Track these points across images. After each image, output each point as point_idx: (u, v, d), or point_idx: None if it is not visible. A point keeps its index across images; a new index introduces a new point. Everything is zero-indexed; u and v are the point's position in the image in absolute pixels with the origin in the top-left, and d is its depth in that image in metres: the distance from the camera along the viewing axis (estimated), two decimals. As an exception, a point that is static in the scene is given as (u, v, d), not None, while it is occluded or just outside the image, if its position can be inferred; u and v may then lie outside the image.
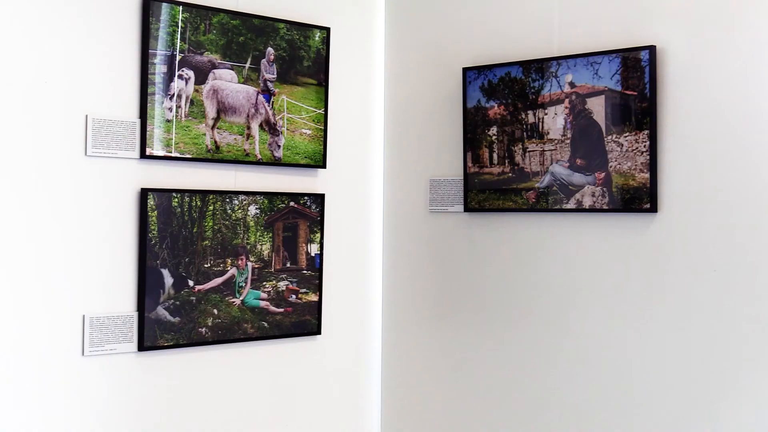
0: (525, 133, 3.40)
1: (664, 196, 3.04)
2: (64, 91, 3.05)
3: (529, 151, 3.38)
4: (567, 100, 3.26)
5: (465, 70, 3.58)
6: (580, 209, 3.23)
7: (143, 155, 3.21)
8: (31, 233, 2.99)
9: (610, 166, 3.14)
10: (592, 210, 3.20)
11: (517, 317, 3.46)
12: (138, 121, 3.20)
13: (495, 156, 3.49)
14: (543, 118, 3.34)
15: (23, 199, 2.97)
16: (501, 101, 3.46)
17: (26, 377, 2.99)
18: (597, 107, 3.18)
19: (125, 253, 3.21)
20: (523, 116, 3.39)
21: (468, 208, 3.59)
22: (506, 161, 3.46)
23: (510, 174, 3.45)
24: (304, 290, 3.67)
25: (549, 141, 3.32)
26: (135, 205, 3.22)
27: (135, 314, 3.22)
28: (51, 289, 3.04)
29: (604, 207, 3.16)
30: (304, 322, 3.67)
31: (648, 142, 3.04)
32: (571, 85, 3.24)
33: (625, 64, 3.10)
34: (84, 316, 3.11)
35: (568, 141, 3.26)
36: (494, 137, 3.49)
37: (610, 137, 3.14)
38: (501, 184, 3.48)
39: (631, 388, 3.13)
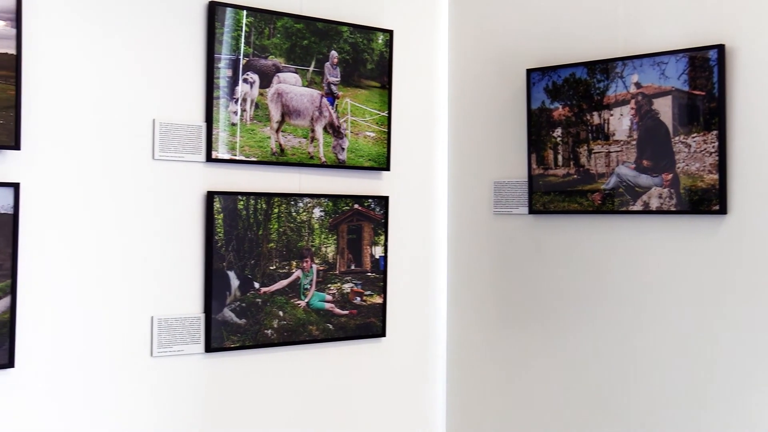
0: (590, 135, 3.36)
1: (733, 198, 2.99)
2: (132, 96, 3.11)
3: (594, 153, 3.35)
4: (633, 101, 3.22)
5: (529, 71, 3.55)
6: (646, 211, 3.19)
7: (209, 158, 3.24)
8: (100, 236, 3.05)
9: (678, 168, 3.09)
10: (659, 212, 3.15)
11: (583, 321, 3.43)
12: (204, 125, 3.24)
13: (560, 158, 3.46)
14: (608, 119, 3.30)
15: (94, 204, 3.03)
16: (566, 102, 3.43)
17: (98, 377, 3.05)
18: (664, 108, 3.14)
19: (192, 255, 3.25)
20: (588, 117, 3.36)
21: (532, 211, 3.57)
22: (571, 163, 3.43)
23: (575, 176, 3.41)
24: (368, 292, 3.67)
25: (615, 142, 3.28)
26: (201, 208, 3.26)
27: (202, 316, 3.26)
28: (120, 291, 3.10)
29: (672, 209, 3.11)
30: (369, 324, 3.68)
31: (717, 143, 2.98)
32: (637, 85, 3.20)
33: (693, 64, 3.05)
34: (153, 317, 3.16)
35: (635, 142, 3.22)
36: (559, 139, 3.46)
37: (677, 138, 3.09)
38: (566, 186, 3.44)
39: (700, 392, 3.08)
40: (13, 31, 2.81)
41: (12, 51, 2.81)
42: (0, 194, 2.80)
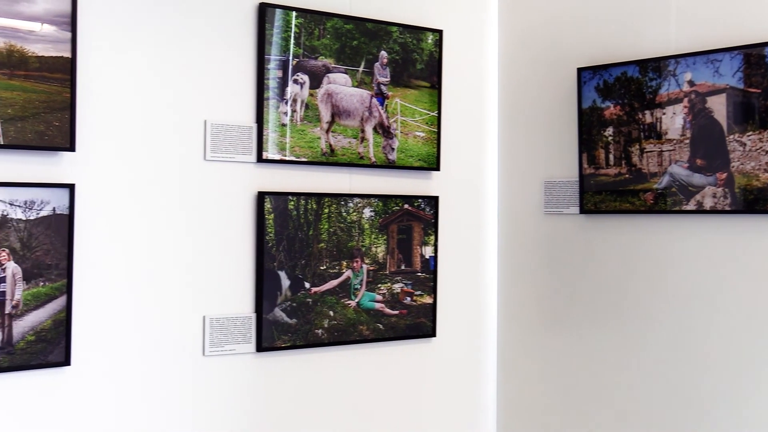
0: (642, 134, 3.33)
1: (789, 197, 2.94)
2: (184, 98, 3.14)
3: (646, 152, 3.31)
4: (686, 99, 3.18)
5: (580, 70, 3.52)
6: (700, 210, 3.15)
7: (260, 159, 3.27)
8: (153, 236, 3.08)
9: (732, 167, 3.04)
10: (713, 211, 3.11)
11: (635, 322, 3.39)
12: (254, 126, 3.26)
13: (611, 157, 3.43)
14: (661, 118, 3.27)
15: (146, 204, 3.06)
16: (617, 101, 3.40)
17: (151, 376, 3.09)
18: (718, 106, 3.09)
19: (243, 255, 3.27)
20: (640, 116, 3.32)
21: (584, 210, 3.54)
22: (623, 162, 3.39)
23: (627, 175, 3.38)
24: (418, 292, 3.67)
25: (667, 141, 3.24)
26: (252, 208, 3.28)
27: (253, 315, 3.28)
28: (173, 291, 3.13)
29: (726, 208, 3.07)
30: (419, 324, 3.68)
31: (772, 141, 2.94)
32: (690, 83, 3.16)
33: (748, 61, 3.01)
34: (204, 317, 3.19)
35: (688, 141, 3.18)
36: (610, 138, 3.43)
37: (732, 137, 3.05)
38: (618, 186, 3.41)
39: (753, 393, 3.03)
40: (68, 35, 2.85)
41: (67, 54, 2.85)
42: (55, 195, 2.85)
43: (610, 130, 3.43)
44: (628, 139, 3.37)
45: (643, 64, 3.31)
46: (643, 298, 3.37)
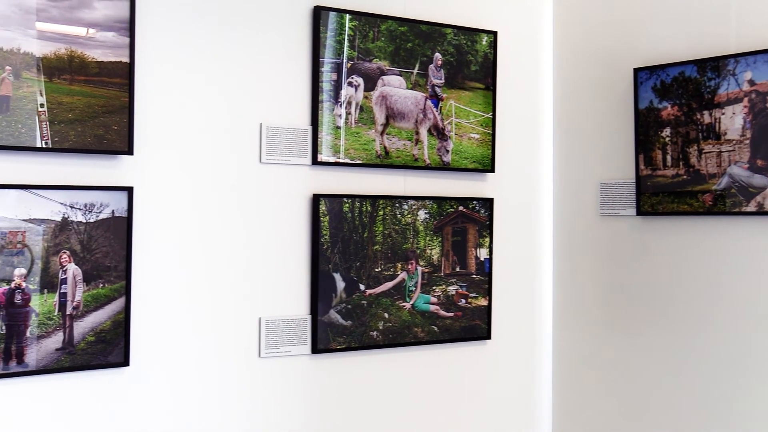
0: (700, 134, 3.28)
1: None
2: (240, 101, 3.17)
3: (705, 153, 3.27)
4: (746, 99, 3.13)
5: (636, 70, 3.49)
6: (761, 212, 3.09)
7: (315, 161, 3.28)
8: (210, 239, 3.11)
9: (793, 167, 3.00)
10: (774, 213, 3.07)
11: (693, 325, 3.35)
12: (310, 128, 3.28)
13: (668, 158, 3.39)
14: (720, 118, 3.22)
15: (203, 207, 3.10)
16: (674, 101, 3.36)
17: (207, 377, 3.12)
18: (778, 105, 3.05)
19: (299, 257, 3.29)
20: (699, 116, 3.28)
21: (640, 212, 3.50)
22: (680, 163, 3.35)
23: (685, 176, 3.34)
24: (473, 295, 3.66)
25: (726, 141, 3.20)
26: (307, 210, 3.30)
27: (308, 317, 3.29)
28: (229, 293, 3.16)
29: (787, 209, 3.02)
30: (474, 326, 3.67)
31: (834, 141, 2.89)
32: (751, 83, 3.11)
33: (809, 59, 2.96)
34: (260, 318, 3.21)
35: (748, 141, 3.13)
36: (667, 139, 3.39)
37: (792, 136, 3.00)
38: (675, 187, 3.37)
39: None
40: (127, 40, 2.89)
41: (125, 59, 2.89)
42: (114, 198, 2.89)
43: (667, 131, 3.39)
44: (686, 140, 3.33)
45: (701, 64, 3.27)
46: (700, 301, 3.33)
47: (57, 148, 2.77)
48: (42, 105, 2.75)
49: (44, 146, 2.74)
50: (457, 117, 3.61)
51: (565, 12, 3.92)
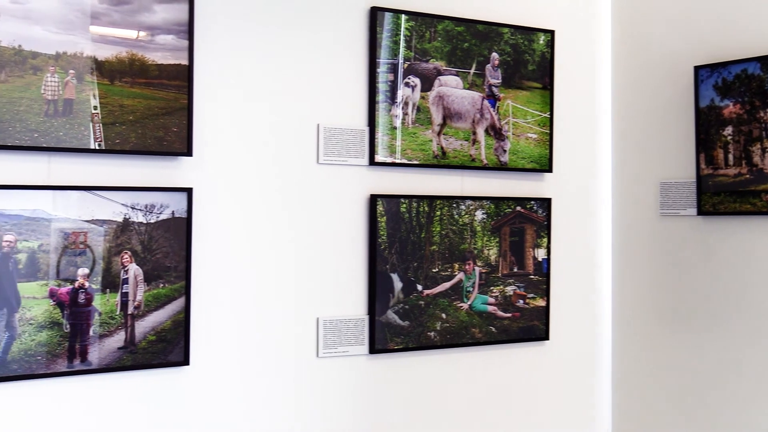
0: (764, 132, 3.22)
1: None
2: (297, 102, 3.19)
3: (768, 150, 3.22)
4: (810, 95, 3.08)
5: (697, 68, 3.44)
6: (825, 210, 3.04)
7: (372, 162, 3.29)
8: (267, 239, 3.14)
9: None
10: (839, 211, 3.00)
11: (754, 325, 3.29)
12: (366, 129, 3.29)
13: (730, 157, 3.34)
14: (783, 115, 3.17)
15: (260, 207, 3.12)
16: (737, 99, 3.31)
17: (266, 376, 3.14)
18: (844, 101, 2.98)
19: (356, 257, 3.30)
20: (762, 114, 3.22)
21: (702, 212, 3.45)
22: (743, 162, 3.30)
23: (747, 175, 3.28)
24: (531, 295, 3.64)
25: (790, 139, 3.14)
26: (364, 210, 3.31)
27: (366, 318, 3.30)
28: (287, 293, 3.18)
29: None
30: (532, 327, 3.65)
31: None
32: (814, 78, 3.06)
33: None
34: (318, 318, 3.22)
35: (812, 138, 3.07)
36: (729, 137, 3.34)
37: None
38: (737, 186, 3.32)
39: None
40: (186, 43, 2.93)
41: (184, 62, 2.93)
42: (174, 199, 2.92)
43: (729, 130, 3.34)
44: (749, 139, 3.27)
45: (764, 61, 3.21)
46: (762, 302, 3.27)
47: (118, 150, 2.82)
48: (95, 107, 2.79)
49: (97, 148, 2.79)
50: (515, 117, 3.60)
51: (624, 9, 3.88)
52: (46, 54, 2.72)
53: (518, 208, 3.61)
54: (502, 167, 3.57)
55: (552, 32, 3.68)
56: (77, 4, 2.77)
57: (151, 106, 2.88)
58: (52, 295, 2.75)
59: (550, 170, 3.68)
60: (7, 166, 2.70)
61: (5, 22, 2.66)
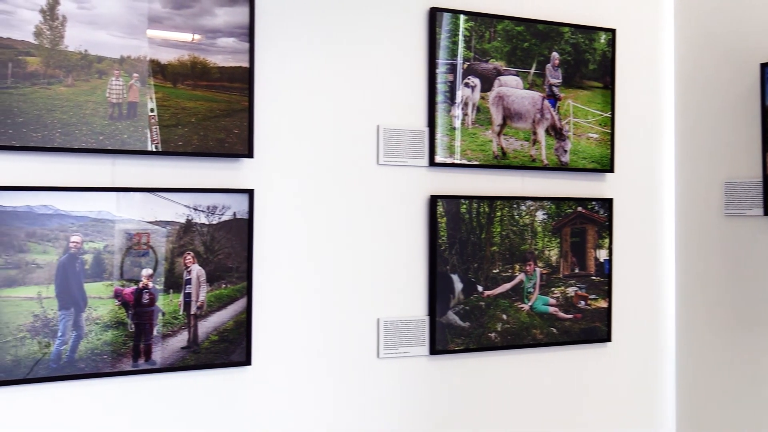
0: (831, 129, 3.17)
1: None
2: (357, 103, 3.20)
3: (836, 148, 3.15)
4: None
5: (763, 65, 3.38)
6: None
7: (432, 163, 3.29)
8: (328, 240, 3.15)
9: None
10: None
11: (826, 326, 3.23)
12: (426, 130, 3.29)
13: (797, 154, 3.28)
14: None
15: (321, 208, 3.14)
16: (803, 96, 3.25)
17: (327, 376, 3.16)
18: None
19: (416, 258, 3.30)
20: (829, 110, 3.16)
21: (768, 211, 3.40)
22: (810, 159, 3.24)
23: (815, 173, 3.22)
24: (593, 296, 3.61)
25: None
26: (424, 211, 3.31)
27: (426, 318, 3.30)
28: (348, 293, 3.19)
29: None
30: (594, 328, 3.61)
31: None
32: None
33: None
34: (378, 319, 3.23)
35: None
36: (796, 134, 3.28)
37: None
38: (805, 184, 3.26)
39: None
40: (246, 45, 2.96)
41: (245, 64, 2.96)
42: (236, 200, 2.95)
43: (795, 127, 3.28)
44: (816, 136, 3.21)
45: (831, 56, 3.16)
46: (834, 303, 3.21)
47: (180, 152, 2.86)
48: (152, 110, 2.83)
49: (154, 150, 2.82)
50: (575, 117, 3.57)
51: (687, 6, 3.83)
52: (111, 58, 2.77)
53: (579, 208, 3.58)
54: (562, 167, 3.54)
55: (613, 31, 3.65)
56: (141, 8, 2.81)
57: (212, 108, 2.91)
58: (117, 295, 2.79)
59: (611, 170, 3.65)
60: (73, 168, 2.75)
61: (72, 27, 2.72)
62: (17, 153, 2.68)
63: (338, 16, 3.18)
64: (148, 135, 2.82)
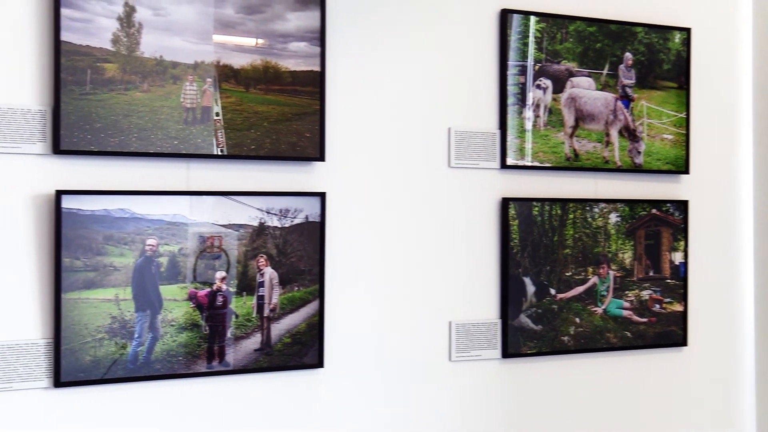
0: None
1: None
2: (428, 106, 3.20)
3: None
4: None
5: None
6: None
7: (503, 165, 3.27)
8: (400, 242, 3.16)
9: None
10: None
11: None
12: (498, 132, 3.28)
13: None
14: None
15: (393, 211, 3.15)
16: None
17: (399, 379, 3.16)
18: None
19: (488, 261, 3.29)
20: None
21: None
22: None
23: None
24: (668, 300, 3.55)
25: None
26: (496, 214, 3.29)
27: (498, 321, 3.28)
28: (419, 296, 3.19)
29: None
30: (669, 332, 3.56)
31: None
32: None
33: None
34: (450, 322, 3.23)
35: None
36: None
37: None
38: None
39: None
40: (318, 50, 2.98)
41: (317, 68, 2.98)
42: (308, 203, 2.97)
43: None
44: None
45: None
46: None
47: (252, 155, 2.89)
48: (217, 114, 2.87)
49: (219, 153, 2.85)
50: (649, 117, 3.52)
51: (765, 4, 3.75)
52: (185, 63, 2.81)
53: (653, 210, 3.53)
54: (636, 169, 3.50)
55: (688, 30, 3.59)
56: (214, 14, 2.85)
57: (284, 112, 2.94)
58: (192, 297, 2.83)
59: (686, 172, 3.59)
60: (149, 172, 2.80)
61: (148, 34, 2.77)
62: (95, 158, 2.73)
63: (408, 19, 3.18)
64: (214, 139, 2.85)
